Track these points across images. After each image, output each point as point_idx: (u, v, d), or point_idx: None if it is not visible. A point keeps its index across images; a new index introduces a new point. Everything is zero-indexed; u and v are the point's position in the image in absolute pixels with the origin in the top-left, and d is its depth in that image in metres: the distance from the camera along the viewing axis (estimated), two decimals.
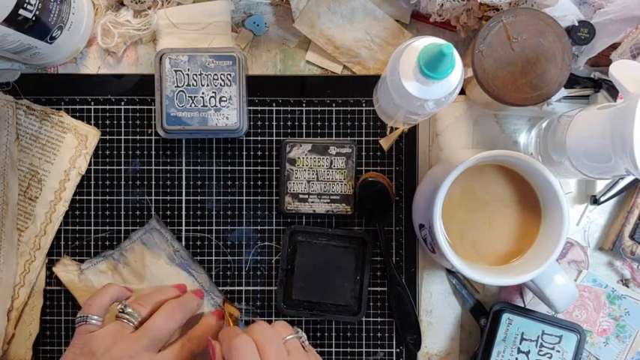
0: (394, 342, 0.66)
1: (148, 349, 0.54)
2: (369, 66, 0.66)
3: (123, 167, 0.66)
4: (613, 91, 0.64)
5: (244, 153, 0.66)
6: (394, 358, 0.66)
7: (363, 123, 0.66)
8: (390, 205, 0.65)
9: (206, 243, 0.66)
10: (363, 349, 0.66)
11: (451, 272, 0.66)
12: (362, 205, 0.64)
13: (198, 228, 0.66)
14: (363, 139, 0.66)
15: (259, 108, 0.66)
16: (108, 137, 0.66)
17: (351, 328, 0.66)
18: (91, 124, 0.65)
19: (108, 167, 0.66)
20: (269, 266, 0.66)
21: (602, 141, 0.50)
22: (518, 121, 0.66)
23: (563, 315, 0.65)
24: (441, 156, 0.66)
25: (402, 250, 0.66)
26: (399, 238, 0.66)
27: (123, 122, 0.66)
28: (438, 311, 0.66)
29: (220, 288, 0.65)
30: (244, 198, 0.66)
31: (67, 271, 0.64)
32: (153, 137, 0.66)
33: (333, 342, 0.66)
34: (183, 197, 0.66)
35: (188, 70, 0.61)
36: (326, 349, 0.66)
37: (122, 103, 0.66)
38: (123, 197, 0.65)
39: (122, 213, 0.65)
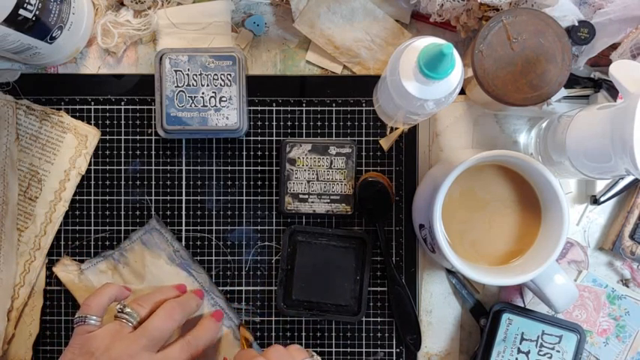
0: (394, 342, 0.66)
1: (146, 348, 0.54)
2: (369, 66, 0.66)
3: (123, 167, 0.66)
4: (613, 91, 0.64)
5: (244, 153, 0.66)
6: (394, 358, 0.66)
7: (363, 123, 0.66)
8: (390, 205, 0.65)
9: (206, 243, 0.66)
10: (363, 349, 0.66)
11: (451, 272, 0.66)
12: (362, 205, 0.64)
13: (198, 228, 0.66)
14: (363, 139, 0.66)
15: (259, 108, 0.66)
16: (108, 137, 0.66)
17: (351, 328, 0.66)
18: (91, 124, 0.65)
19: (108, 167, 0.65)
20: (269, 266, 0.66)
21: (602, 141, 0.50)
22: (518, 121, 0.66)
23: (563, 315, 0.65)
24: (441, 156, 0.66)
25: (402, 250, 0.66)
26: (399, 238, 0.66)
27: (123, 122, 0.66)
28: (438, 311, 0.66)
29: (220, 288, 0.65)
30: (244, 198, 0.66)
31: (67, 271, 0.64)
32: (153, 137, 0.66)
33: (333, 342, 0.66)
34: (183, 197, 0.66)
35: (188, 70, 0.61)
36: (326, 349, 0.66)
37: (122, 103, 0.66)
38: (123, 197, 0.65)
39: (122, 213, 0.65)
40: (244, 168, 0.66)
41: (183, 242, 0.66)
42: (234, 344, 0.64)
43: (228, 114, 0.61)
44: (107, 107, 0.66)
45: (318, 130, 0.66)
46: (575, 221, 0.66)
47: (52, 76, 0.66)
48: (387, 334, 0.66)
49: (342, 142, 0.64)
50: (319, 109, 0.66)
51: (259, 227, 0.66)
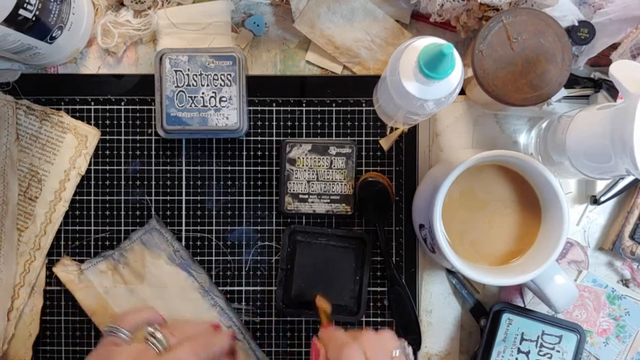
0: None
1: None
2: (369, 66, 0.66)
3: (123, 167, 0.66)
4: (613, 91, 0.64)
5: (244, 153, 0.66)
6: None
7: (363, 123, 0.66)
8: (390, 205, 0.65)
9: (206, 243, 0.66)
10: None
11: (451, 272, 0.66)
12: (362, 205, 0.64)
13: (198, 228, 0.66)
14: (363, 139, 0.66)
15: (259, 108, 0.66)
16: (108, 137, 0.66)
17: (351, 328, 0.66)
18: (91, 124, 0.65)
19: (108, 167, 0.65)
20: (269, 266, 0.66)
21: (602, 141, 0.50)
22: (518, 121, 0.66)
23: (563, 315, 0.65)
24: (441, 156, 0.66)
25: (402, 250, 0.66)
26: (399, 238, 0.66)
27: (123, 122, 0.66)
28: (438, 311, 0.66)
29: (220, 288, 0.65)
30: (244, 198, 0.66)
31: (67, 271, 0.64)
32: (153, 137, 0.66)
33: None
34: (183, 197, 0.66)
35: (188, 70, 0.61)
36: None
37: (122, 103, 0.66)
38: (123, 197, 0.65)
39: (122, 213, 0.65)
40: (244, 168, 0.66)
41: (183, 242, 0.66)
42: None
43: (228, 114, 0.61)
44: (107, 107, 0.66)
45: (318, 130, 0.66)
46: (575, 221, 0.66)
47: (52, 76, 0.66)
48: None
49: (342, 142, 0.64)
50: (319, 109, 0.66)
51: (259, 227, 0.66)
